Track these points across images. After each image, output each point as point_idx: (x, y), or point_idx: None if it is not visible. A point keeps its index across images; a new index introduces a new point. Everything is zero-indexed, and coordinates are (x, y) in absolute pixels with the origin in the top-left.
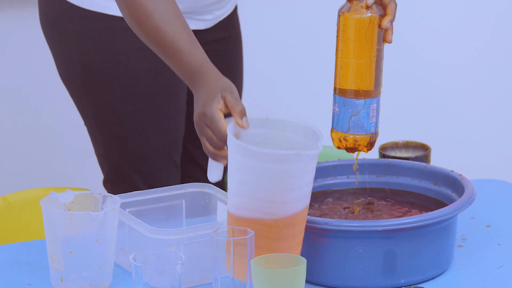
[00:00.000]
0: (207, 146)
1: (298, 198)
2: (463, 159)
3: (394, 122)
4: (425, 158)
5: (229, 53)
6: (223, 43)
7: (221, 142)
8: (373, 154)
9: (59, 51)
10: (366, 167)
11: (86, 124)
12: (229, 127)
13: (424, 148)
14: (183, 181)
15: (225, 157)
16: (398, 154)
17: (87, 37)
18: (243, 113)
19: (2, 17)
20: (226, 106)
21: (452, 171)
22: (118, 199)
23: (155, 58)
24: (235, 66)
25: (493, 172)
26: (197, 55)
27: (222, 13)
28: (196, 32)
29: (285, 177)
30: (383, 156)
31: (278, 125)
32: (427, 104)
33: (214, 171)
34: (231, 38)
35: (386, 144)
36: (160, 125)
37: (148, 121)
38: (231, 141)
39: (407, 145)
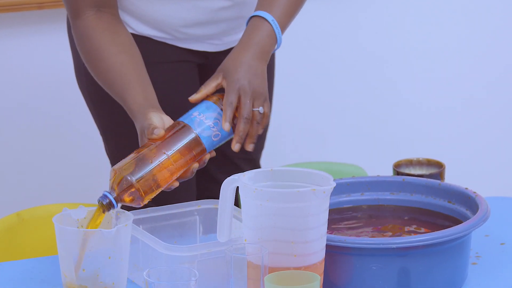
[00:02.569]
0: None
1: (316, 238)
2: (477, 177)
3: (409, 140)
4: (440, 176)
5: None
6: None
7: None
8: (388, 171)
9: (73, 58)
10: (380, 184)
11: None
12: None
13: (439, 165)
14: (199, 196)
15: None
16: (412, 171)
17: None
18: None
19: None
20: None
21: (466, 188)
22: (131, 215)
23: (158, 72)
24: None
25: (508, 190)
26: (148, 96)
27: (236, 39)
28: (206, 54)
29: (303, 215)
30: (397, 173)
31: (283, 176)
32: (442, 121)
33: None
34: None
35: (400, 161)
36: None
37: None
38: (246, 187)
39: (421, 163)
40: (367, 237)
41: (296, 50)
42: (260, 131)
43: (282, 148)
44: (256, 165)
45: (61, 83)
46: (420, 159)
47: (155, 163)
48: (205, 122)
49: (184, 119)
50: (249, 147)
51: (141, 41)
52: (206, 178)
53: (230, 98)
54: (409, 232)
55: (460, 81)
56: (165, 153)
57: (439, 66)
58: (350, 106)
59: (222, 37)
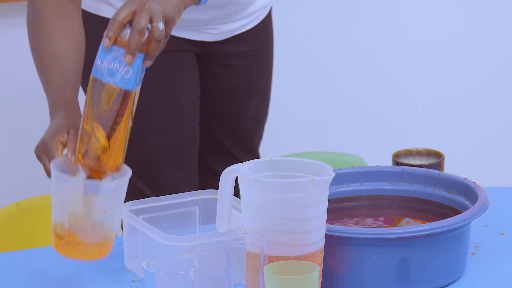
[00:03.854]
0: (45, 170)
1: (316, 228)
2: (476, 167)
3: (408, 130)
4: (439, 166)
5: (248, 68)
6: (240, 58)
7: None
8: (387, 162)
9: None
10: (379, 174)
11: None
12: None
13: (438, 155)
14: (200, 187)
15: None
16: (412, 161)
17: (87, 39)
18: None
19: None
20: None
21: (465, 178)
22: (128, 169)
23: (158, 61)
24: (254, 80)
25: (507, 180)
26: (67, 90)
27: (233, 28)
28: (203, 43)
29: (303, 205)
30: (396, 163)
31: (283, 166)
32: (441, 112)
33: None
34: (252, 54)
35: (399, 151)
36: (160, 129)
37: (146, 123)
38: (246, 178)
39: (420, 153)
40: (366, 227)
41: (294, 42)
42: (158, 50)
43: (281, 138)
44: (255, 156)
45: None
46: (420, 149)
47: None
48: (110, 66)
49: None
50: (146, 64)
51: None
52: (205, 170)
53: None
54: (409, 222)
55: (459, 71)
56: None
57: (438, 56)
58: (350, 96)
59: (218, 26)
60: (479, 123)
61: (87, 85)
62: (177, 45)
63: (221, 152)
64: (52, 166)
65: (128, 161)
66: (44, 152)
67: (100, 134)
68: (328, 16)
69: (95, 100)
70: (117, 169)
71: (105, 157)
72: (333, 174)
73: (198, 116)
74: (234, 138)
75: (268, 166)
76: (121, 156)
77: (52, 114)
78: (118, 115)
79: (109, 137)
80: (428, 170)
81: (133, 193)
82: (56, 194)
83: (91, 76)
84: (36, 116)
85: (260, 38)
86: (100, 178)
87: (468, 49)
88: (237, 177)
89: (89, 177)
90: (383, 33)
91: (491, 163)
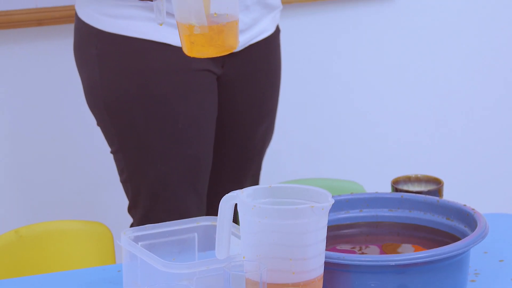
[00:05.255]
0: None
1: (315, 255)
2: (476, 193)
3: (407, 156)
4: (438, 192)
5: (260, 91)
6: (253, 80)
7: None
8: (386, 188)
9: (84, 76)
10: (378, 201)
11: (111, 150)
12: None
13: (437, 182)
14: (208, 213)
15: None
16: (411, 188)
17: (109, 60)
18: None
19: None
20: None
21: (464, 205)
22: None
23: (179, 81)
24: (264, 104)
25: (507, 207)
26: None
27: (249, 36)
28: (223, 58)
29: (302, 232)
30: (395, 190)
31: (282, 192)
32: (440, 138)
33: (158, 13)
34: (263, 75)
35: (398, 178)
36: (181, 151)
37: (169, 146)
38: (245, 204)
39: (419, 179)
40: (365, 254)
41: (294, 69)
42: None
43: (281, 164)
44: (258, 180)
45: (61, 99)
46: (419, 175)
47: None
48: None
49: None
50: None
51: (161, 48)
52: (215, 196)
53: None
54: (408, 249)
55: (458, 98)
56: None
57: (437, 83)
58: (349, 122)
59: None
60: (478, 150)
61: (95, 107)
62: (200, 63)
63: (226, 175)
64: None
65: (145, 182)
66: None
67: None
68: (329, 44)
69: None
70: None
71: None
72: (332, 201)
73: (213, 139)
74: (240, 161)
75: (267, 193)
76: None
77: None
78: None
79: None
80: (427, 196)
81: (144, 214)
82: None
83: None
84: (35, 142)
85: (270, 58)
86: None
87: (466, 75)
88: (236, 204)
89: None
90: (382, 61)
91: (490, 190)
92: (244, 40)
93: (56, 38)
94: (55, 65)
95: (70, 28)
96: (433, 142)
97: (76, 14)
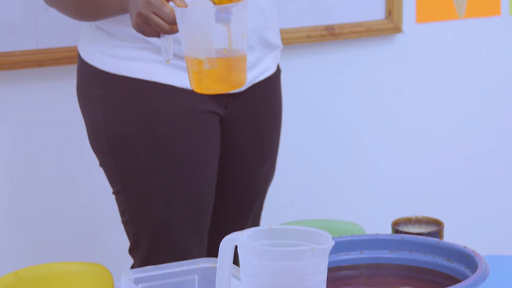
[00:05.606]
0: (160, 27)
1: None
2: (476, 235)
3: (407, 198)
4: (438, 234)
5: (262, 131)
6: (256, 119)
7: (171, 22)
8: (386, 230)
9: (88, 117)
10: (379, 242)
11: (113, 191)
12: None
13: (437, 223)
14: (209, 253)
15: (176, 30)
16: (411, 229)
17: (113, 101)
18: None
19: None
20: None
21: (465, 247)
22: None
23: (183, 123)
24: (267, 144)
25: (507, 248)
26: None
27: (252, 75)
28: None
29: (302, 274)
30: (396, 231)
31: (282, 234)
32: (440, 179)
33: (166, 50)
34: (265, 116)
35: (399, 219)
36: (184, 193)
37: (172, 188)
38: (245, 246)
39: (419, 221)
40: None
41: (294, 108)
42: None
43: (281, 206)
44: (259, 221)
45: (62, 139)
46: (419, 217)
47: None
48: None
49: None
50: None
51: (165, 90)
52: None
53: None
54: None
55: (458, 139)
56: None
57: (437, 123)
58: (348, 164)
59: None
60: (478, 191)
61: (99, 148)
62: (205, 105)
63: (228, 216)
64: (180, 11)
65: (147, 224)
66: (151, 11)
67: None
68: (329, 84)
69: None
70: None
71: None
72: (333, 243)
73: (216, 180)
74: (242, 202)
75: (268, 234)
76: None
77: None
78: None
79: None
80: (428, 238)
81: (145, 256)
82: (195, 33)
83: None
84: (36, 183)
85: (272, 99)
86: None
87: (467, 115)
88: (236, 245)
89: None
90: (382, 102)
91: (491, 231)
92: (248, 78)
93: (57, 79)
94: (56, 106)
95: (71, 69)
96: (434, 183)
97: (79, 55)
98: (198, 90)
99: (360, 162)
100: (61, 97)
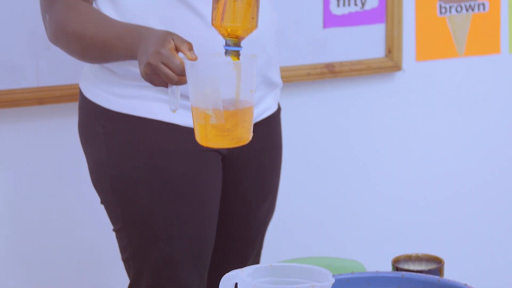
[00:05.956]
0: (168, 77)
1: None
2: (477, 272)
3: (407, 235)
4: (439, 271)
5: (263, 169)
6: (257, 157)
7: (180, 74)
8: (386, 267)
9: (90, 154)
10: (379, 280)
11: (114, 228)
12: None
13: (437, 261)
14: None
15: (185, 81)
16: (412, 267)
17: (116, 139)
18: (190, 47)
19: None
20: (175, 45)
21: (466, 284)
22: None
23: (186, 162)
24: (268, 182)
25: (508, 285)
26: (128, 24)
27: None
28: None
29: None
30: (396, 269)
31: (282, 271)
32: (441, 216)
33: (173, 100)
34: (267, 153)
35: (399, 257)
36: (186, 231)
37: (174, 226)
38: (245, 284)
39: (420, 258)
40: None
41: (293, 145)
42: None
43: (281, 243)
44: (259, 258)
45: (62, 177)
46: (419, 254)
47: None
48: None
49: None
50: None
51: (169, 129)
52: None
53: None
54: None
55: (459, 177)
56: None
57: (437, 161)
58: (349, 201)
59: None
60: (479, 228)
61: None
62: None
63: (228, 253)
64: (190, 64)
65: (148, 262)
66: (161, 62)
67: None
68: (328, 121)
69: None
70: (254, 27)
71: (246, 15)
72: (333, 280)
73: (217, 218)
74: (243, 240)
75: (268, 272)
76: (257, 14)
77: (138, 40)
78: None
79: None
80: (428, 275)
81: None
82: (204, 87)
83: None
84: (36, 220)
85: (273, 136)
86: (239, 42)
87: (467, 154)
88: (236, 283)
89: (227, 44)
90: (381, 139)
91: (492, 269)
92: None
93: (58, 117)
94: (56, 144)
95: (71, 107)
96: (434, 220)
97: (81, 92)
98: (204, 143)
99: (360, 199)
100: (61, 135)
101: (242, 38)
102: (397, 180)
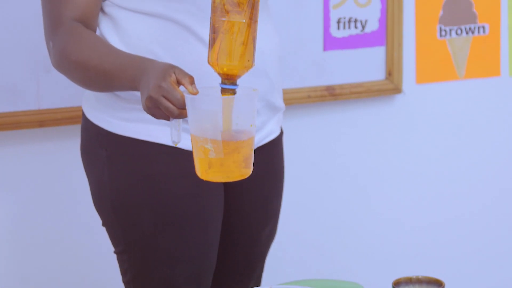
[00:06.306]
0: (169, 111)
1: None
2: None
3: (408, 257)
4: None
5: (265, 193)
6: (259, 181)
7: (181, 107)
8: None
9: (92, 177)
10: None
11: (116, 251)
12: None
13: (438, 283)
14: None
15: (186, 115)
16: None
17: (118, 162)
18: (192, 81)
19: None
20: (176, 78)
21: None
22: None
23: (188, 185)
24: (269, 206)
25: None
26: (132, 55)
27: (257, 140)
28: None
29: None
30: None
31: None
32: (441, 239)
33: (175, 133)
34: (269, 177)
35: (399, 279)
36: (187, 254)
37: (175, 249)
38: None
39: (420, 281)
40: None
41: (293, 169)
42: None
43: (281, 265)
44: (259, 282)
45: (63, 199)
46: (420, 277)
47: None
48: None
49: None
50: None
51: (171, 152)
52: None
53: None
54: None
55: (457, 199)
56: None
57: (438, 184)
58: (349, 223)
59: None
60: (479, 251)
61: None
62: None
63: (230, 277)
64: (190, 98)
65: (149, 284)
66: (162, 95)
67: (236, 32)
68: (328, 146)
69: (224, 2)
70: (250, 66)
71: (242, 55)
72: None
73: (218, 242)
74: (245, 263)
75: None
76: (253, 53)
77: (141, 73)
78: (249, 10)
79: (243, 35)
80: None
81: None
82: (204, 121)
83: None
84: (37, 242)
85: (275, 160)
86: (234, 81)
87: (465, 179)
88: None
89: (223, 82)
90: (382, 162)
91: None
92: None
93: (58, 139)
94: (56, 166)
95: (72, 129)
96: (434, 242)
97: (83, 114)
98: (204, 177)
99: (360, 221)
100: (62, 157)
101: (239, 76)
102: (397, 202)
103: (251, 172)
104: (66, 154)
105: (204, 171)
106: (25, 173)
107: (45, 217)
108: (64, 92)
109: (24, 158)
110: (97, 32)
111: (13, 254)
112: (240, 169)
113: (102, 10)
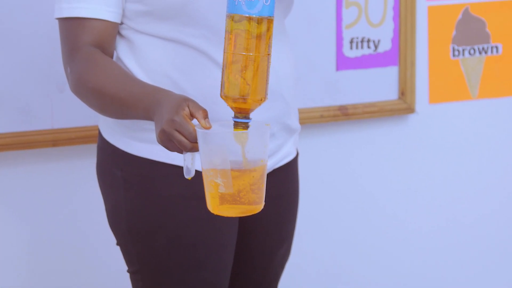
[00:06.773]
0: (182, 144)
1: None
2: None
3: (421, 277)
4: None
5: (280, 215)
6: (274, 203)
7: (193, 141)
8: None
9: (108, 196)
10: None
11: (129, 270)
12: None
13: None
14: None
15: (197, 149)
16: None
17: (134, 183)
18: (205, 115)
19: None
20: (190, 112)
21: None
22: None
23: (202, 207)
24: (284, 228)
25: None
26: (148, 85)
27: (272, 162)
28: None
29: None
30: None
31: None
32: (454, 260)
33: (187, 166)
34: (284, 200)
35: None
36: (200, 276)
37: (189, 271)
38: None
39: None
40: None
41: (306, 189)
42: None
43: (296, 285)
44: None
45: (77, 219)
46: None
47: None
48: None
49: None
50: None
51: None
52: None
53: None
54: None
55: (470, 221)
56: (252, 55)
57: (449, 205)
58: (361, 242)
59: None
60: (479, 275)
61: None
62: None
63: None
64: (201, 132)
65: None
66: (175, 129)
67: (247, 68)
68: (341, 166)
69: (237, 35)
70: (263, 100)
71: (254, 90)
72: None
73: (232, 264)
74: (259, 283)
75: None
76: (266, 86)
77: (156, 104)
78: (262, 44)
79: (255, 68)
80: None
81: None
82: (214, 156)
83: (228, 14)
84: (51, 263)
85: (290, 182)
86: (247, 114)
87: (479, 201)
88: None
89: (236, 116)
90: (395, 184)
91: None
92: (269, 165)
93: (72, 158)
94: (70, 186)
95: (85, 149)
96: (450, 264)
97: (100, 134)
98: (215, 212)
99: (376, 240)
100: (76, 176)
101: (252, 110)
102: (410, 223)
103: (262, 206)
104: (79, 173)
105: (215, 206)
106: (39, 193)
107: (59, 236)
108: (77, 112)
109: (38, 178)
110: (114, 55)
111: (27, 272)
112: (250, 204)
113: (119, 33)
